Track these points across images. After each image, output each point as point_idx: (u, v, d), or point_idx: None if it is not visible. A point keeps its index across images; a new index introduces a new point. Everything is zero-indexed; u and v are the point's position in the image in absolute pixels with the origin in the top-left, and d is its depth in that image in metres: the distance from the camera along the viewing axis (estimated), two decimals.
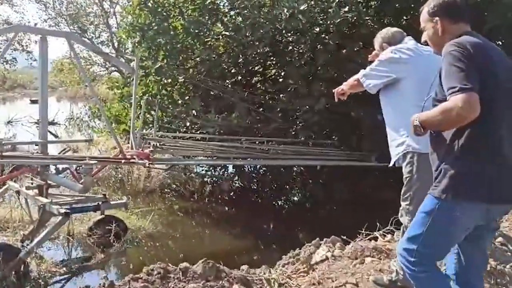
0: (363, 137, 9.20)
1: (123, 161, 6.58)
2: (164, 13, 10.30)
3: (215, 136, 8.47)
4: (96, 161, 5.92)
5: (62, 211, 5.32)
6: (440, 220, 2.23)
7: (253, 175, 10.09)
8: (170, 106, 9.69)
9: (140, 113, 7.94)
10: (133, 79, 7.55)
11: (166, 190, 9.96)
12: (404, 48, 3.20)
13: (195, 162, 8.34)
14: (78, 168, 6.10)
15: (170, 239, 7.28)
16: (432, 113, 2.15)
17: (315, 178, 9.88)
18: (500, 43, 9.32)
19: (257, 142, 8.68)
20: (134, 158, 6.77)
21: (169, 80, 10.16)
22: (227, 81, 9.99)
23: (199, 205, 9.12)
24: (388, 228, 4.88)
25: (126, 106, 10.96)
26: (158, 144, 7.16)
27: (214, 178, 9.81)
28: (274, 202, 9.81)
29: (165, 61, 9.97)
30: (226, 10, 10.52)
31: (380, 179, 9.76)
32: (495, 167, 2.15)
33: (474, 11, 8.69)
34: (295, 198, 10.14)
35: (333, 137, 9.63)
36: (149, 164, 6.81)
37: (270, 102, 9.37)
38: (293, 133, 9.38)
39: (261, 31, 9.00)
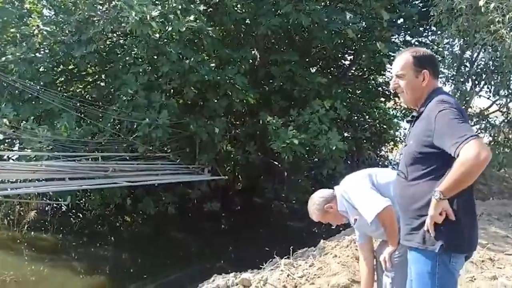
0: (198, 151, 8.98)
1: None
2: None
3: (44, 153, 7.07)
4: None
5: None
6: (443, 275, 2.16)
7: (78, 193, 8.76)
8: None
9: None
10: None
11: None
12: None
13: (33, 190, 6.73)
14: None
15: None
16: (451, 174, 2.02)
17: (146, 192, 9.24)
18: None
19: (90, 159, 7.73)
20: None
21: None
22: (41, 82, 8.52)
23: (20, 234, 7.61)
24: None
25: None
26: None
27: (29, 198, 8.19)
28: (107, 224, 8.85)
29: None
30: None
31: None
32: (469, 219, 2.19)
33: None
34: (127, 218, 9.30)
35: (169, 150, 9.15)
36: None
37: (100, 111, 8.30)
38: (124, 145, 8.54)
39: (92, 30, 7.93)
